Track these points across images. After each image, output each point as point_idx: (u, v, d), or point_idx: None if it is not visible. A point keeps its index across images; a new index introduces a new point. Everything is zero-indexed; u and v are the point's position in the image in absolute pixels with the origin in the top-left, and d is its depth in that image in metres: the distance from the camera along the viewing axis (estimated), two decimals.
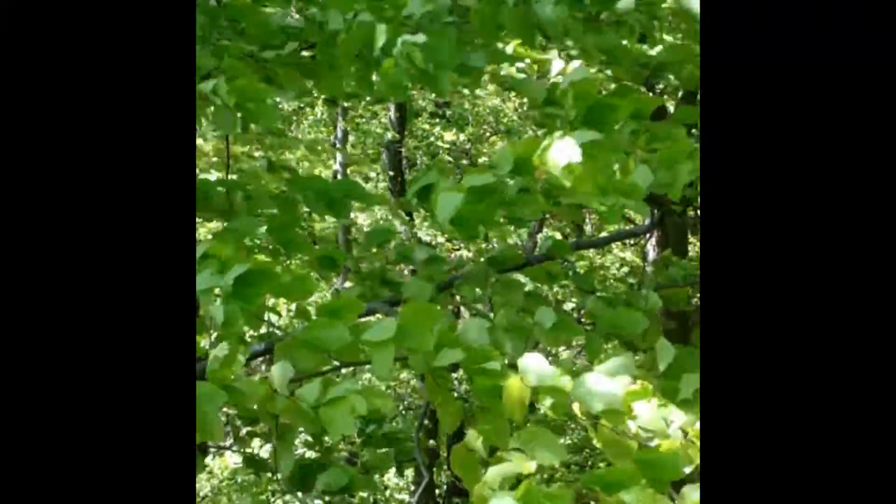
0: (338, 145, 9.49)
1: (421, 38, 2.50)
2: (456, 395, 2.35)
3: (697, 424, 1.87)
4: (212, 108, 2.86)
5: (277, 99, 3.97)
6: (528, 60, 3.42)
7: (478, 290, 3.68)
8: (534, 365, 2.11)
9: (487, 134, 9.57)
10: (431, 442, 7.97)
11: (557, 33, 2.91)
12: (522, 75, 3.52)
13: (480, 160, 9.48)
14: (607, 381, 2.02)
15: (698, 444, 1.84)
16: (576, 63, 2.53)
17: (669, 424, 1.90)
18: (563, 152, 2.10)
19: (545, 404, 2.05)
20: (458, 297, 3.70)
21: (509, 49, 3.13)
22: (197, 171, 3.81)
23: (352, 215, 6.82)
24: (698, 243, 8.16)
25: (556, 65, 2.55)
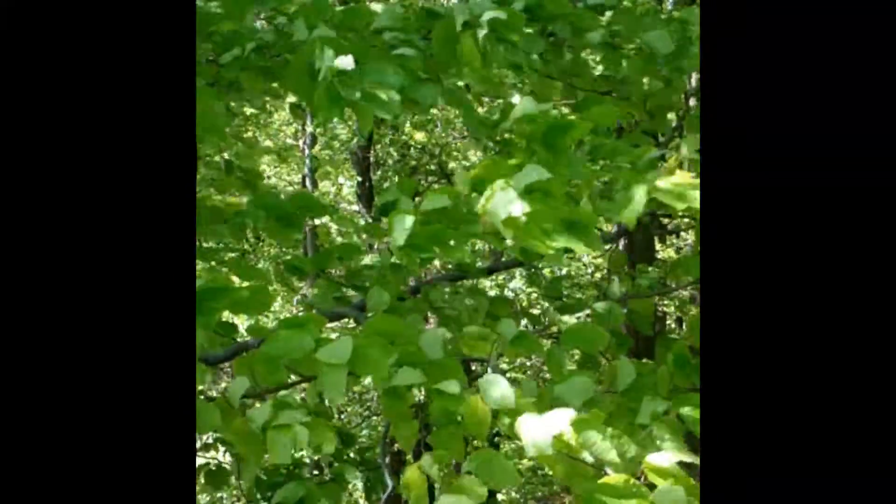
0: (305, 150, 9.46)
1: (349, 63, 2.48)
2: (419, 403, 2.34)
3: (651, 458, 1.86)
4: None
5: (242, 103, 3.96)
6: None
7: (445, 293, 3.69)
8: (493, 385, 2.10)
9: (454, 138, 9.57)
10: (396, 446, 7.96)
11: (520, 59, 2.91)
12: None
13: (451, 165, 9.49)
14: (540, 425, 1.97)
15: (651, 477, 1.84)
16: (517, 99, 2.49)
17: (623, 454, 1.88)
18: (504, 205, 2.02)
19: (504, 423, 2.05)
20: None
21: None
22: None
23: (323, 220, 6.80)
24: (664, 251, 8.21)
25: (514, 96, 2.53)
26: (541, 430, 1.92)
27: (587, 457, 1.88)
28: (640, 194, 2.13)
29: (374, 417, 8.50)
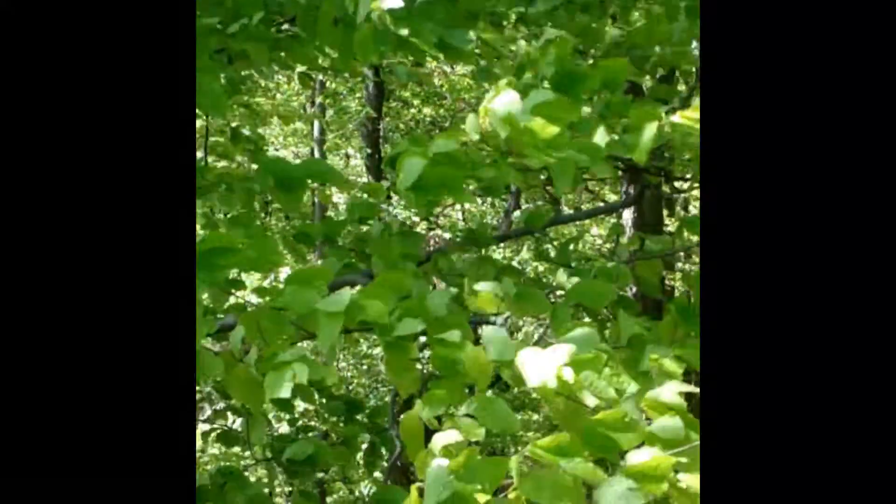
0: (314, 122, 9.43)
1: (398, 1, 2.48)
2: (421, 363, 2.33)
3: (650, 393, 1.86)
4: None
5: (252, 72, 3.96)
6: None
7: (455, 261, 3.70)
8: (493, 336, 2.10)
9: (463, 108, 9.56)
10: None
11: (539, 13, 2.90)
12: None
13: None
14: (541, 357, 1.98)
15: (651, 414, 1.84)
16: (550, 31, 2.51)
17: (622, 394, 1.88)
18: (502, 103, 2.07)
19: (506, 374, 2.05)
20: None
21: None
22: None
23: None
24: (673, 224, 8.19)
25: (521, 45, 2.53)
26: (543, 363, 1.92)
27: (587, 398, 1.88)
28: (650, 130, 2.12)
29: (382, 388, 8.52)
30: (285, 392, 2.09)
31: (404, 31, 2.50)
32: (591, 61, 3.42)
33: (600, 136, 2.10)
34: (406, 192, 2.18)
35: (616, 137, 2.29)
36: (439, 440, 1.98)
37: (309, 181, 3.15)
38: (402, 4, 2.48)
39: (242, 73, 4.03)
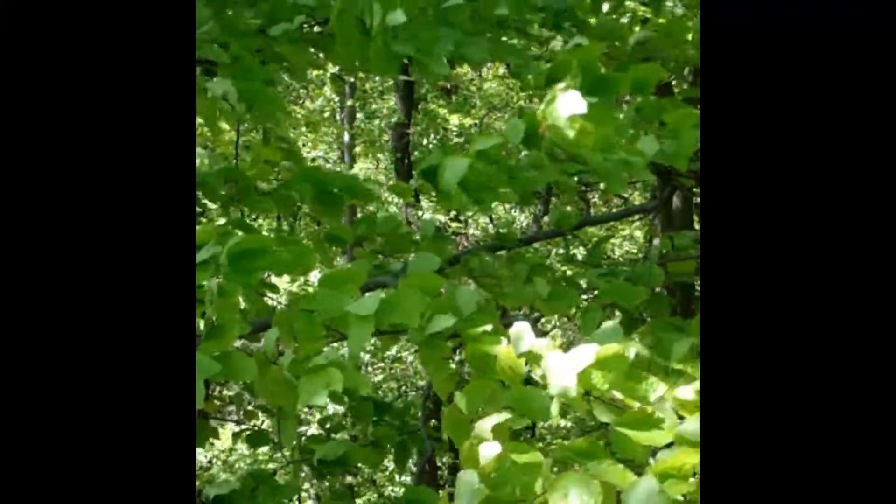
0: (344, 125, 9.46)
1: (401, 17, 2.48)
2: (452, 364, 2.34)
3: (679, 392, 1.86)
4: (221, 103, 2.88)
5: (285, 76, 3.98)
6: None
7: (485, 262, 3.70)
8: (523, 333, 2.10)
9: (494, 117, 9.56)
10: (433, 422, 7.99)
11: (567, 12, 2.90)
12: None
13: None
14: (564, 361, 1.98)
15: (679, 412, 1.84)
16: (577, 38, 2.50)
17: (651, 392, 1.88)
18: (567, 105, 2.07)
19: (537, 372, 2.05)
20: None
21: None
22: (202, 155, 3.86)
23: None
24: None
25: (556, 44, 2.53)
26: (566, 367, 1.92)
27: (615, 395, 1.88)
28: (690, 136, 2.13)
29: (411, 393, 8.53)
30: (321, 400, 2.10)
31: (410, 51, 2.49)
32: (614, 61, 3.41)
33: (648, 144, 2.10)
34: (448, 192, 2.18)
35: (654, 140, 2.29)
36: (484, 425, 1.99)
37: (348, 199, 3.17)
38: (403, 20, 2.46)
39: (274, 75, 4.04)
